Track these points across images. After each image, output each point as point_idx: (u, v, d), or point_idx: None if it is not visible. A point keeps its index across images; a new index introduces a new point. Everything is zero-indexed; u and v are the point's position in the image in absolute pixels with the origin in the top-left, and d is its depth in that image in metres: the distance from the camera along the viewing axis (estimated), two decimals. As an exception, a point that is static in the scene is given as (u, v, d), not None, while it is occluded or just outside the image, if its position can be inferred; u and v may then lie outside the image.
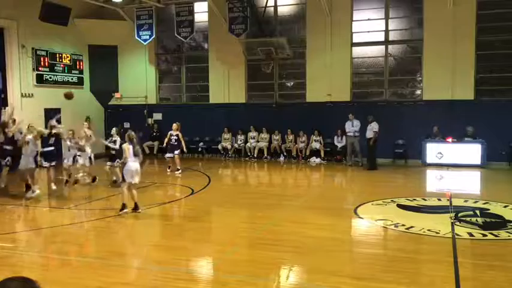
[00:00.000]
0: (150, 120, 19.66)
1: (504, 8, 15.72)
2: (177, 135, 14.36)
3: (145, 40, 18.68)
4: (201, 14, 18.94)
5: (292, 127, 17.64)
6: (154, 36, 18.68)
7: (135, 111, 19.57)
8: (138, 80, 19.92)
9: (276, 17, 18.53)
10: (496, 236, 7.15)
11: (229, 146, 18.24)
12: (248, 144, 18.02)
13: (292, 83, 19.10)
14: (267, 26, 18.25)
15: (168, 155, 14.68)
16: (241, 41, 17.86)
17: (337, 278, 5.48)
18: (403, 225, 7.76)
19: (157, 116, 19.76)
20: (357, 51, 17.71)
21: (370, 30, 17.48)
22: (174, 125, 14.52)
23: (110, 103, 20.29)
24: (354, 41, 17.59)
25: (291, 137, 17.72)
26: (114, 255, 6.48)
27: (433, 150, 15.57)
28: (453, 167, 14.86)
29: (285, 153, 17.68)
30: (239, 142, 18.30)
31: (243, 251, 6.67)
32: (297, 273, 5.92)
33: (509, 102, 15.49)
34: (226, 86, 18.95)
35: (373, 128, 15.08)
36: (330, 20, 17.29)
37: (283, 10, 18.60)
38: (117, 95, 20.13)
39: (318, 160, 17.05)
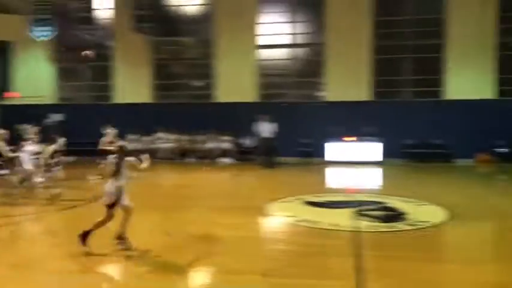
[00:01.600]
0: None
1: (399, 16, 16.99)
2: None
3: (41, 36, 17.40)
4: (105, 10, 18.19)
5: (202, 127, 17.56)
6: (52, 32, 17.53)
7: (32, 112, 18.27)
8: (36, 78, 18.64)
9: (184, 16, 18.33)
10: (393, 228, 7.65)
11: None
12: (156, 145, 17.61)
13: (201, 83, 19.02)
14: (174, 25, 17.99)
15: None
16: (147, 39, 17.43)
17: (247, 276, 5.52)
18: (310, 221, 8.04)
19: (57, 117, 18.61)
20: (264, 53, 18.09)
21: (276, 33, 17.95)
22: None
23: (2, 103, 18.74)
24: (260, 43, 17.95)
25: (200, 138, 17.62)
26: None
27: (337, 149, 16.36)
28: (355, 164, 15.72)
29: (194, 154, 17.53)
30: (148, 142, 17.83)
31: (151, 256, 6.47)
32: (208, 274, 5.87)
33: (403, 102, 16.80)
34: (132, 85, 18.39)
35: (271, 128, 15.44)
36: (237, 21, 17.48)
37: (190, 10, 18.45)
38: (10, 94, 18.62)
39: (227, 160, 17.12)
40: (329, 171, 15.24)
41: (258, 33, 17.90)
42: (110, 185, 6.13)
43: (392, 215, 8.46)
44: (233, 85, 17.58)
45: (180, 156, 17.51)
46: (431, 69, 17.02)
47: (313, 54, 18.11)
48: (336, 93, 17.12)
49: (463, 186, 12.12)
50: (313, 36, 17.90)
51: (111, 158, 7.07)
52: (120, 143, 7.20)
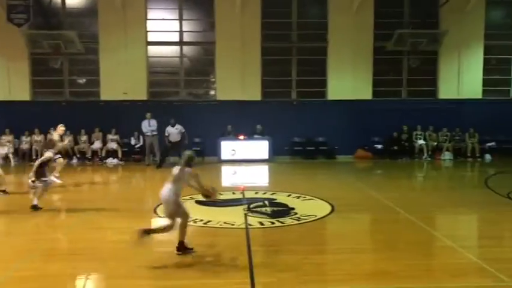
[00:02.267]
0: None
1: (283, 18, 17.62)
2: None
3: None
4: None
5: (86, 127, 16.65)
6: None
7: None
8: None
9: (64, 8, 17.22)
10: (282, 223, 7.91)
11: (11, 150, 16.13)
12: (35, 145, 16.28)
13: (84, 80, 18.01)
14: (54, 17, 16.82)
15: None
16: (24, 32, 16.08)
17: (137, 281, 5.34)
18: (201, 220, 8.00)
19: None
20: (153, 50, 17.66)
21: (165, 30, 17.63)
22: None
23: None
24: (149, 40, 17.48)
25: (84, 138, 16.69)
26: None
27: (228, 147, 16.52)
28: (245, 162, 16.01)
29: (78, 155, 16.56)
30: (24, 144, 16.46)
31: (31, 266, 5.96)
32: (94, 282, 5.56)
33: (288, 102, 17.52)
34: (6, 81, 16.84)
35: (180, 130, 15.17)
36: (124, 16, 16.85)
37: (72, 2, 17.38)
38: None
39: (115, 161, 16.45)
40: (220, 170, 15.33)
41: (147, 29, 17.41)
42: None
43: (281, 211, 8.74)
44: (119, 82, 16.89)
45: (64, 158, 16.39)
46: (315, 71, 17.92)
47: (204, 52, 18.09)
48: (226, 92, 17.28)
49: (344, 181, 12.95)
50: (204, 34, 17.88)
51: None
52: None
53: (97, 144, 16.70)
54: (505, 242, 7.20)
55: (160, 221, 8.27)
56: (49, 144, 10.21)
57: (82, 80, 18.03)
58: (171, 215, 6.10)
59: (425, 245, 6.85)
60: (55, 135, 12.00)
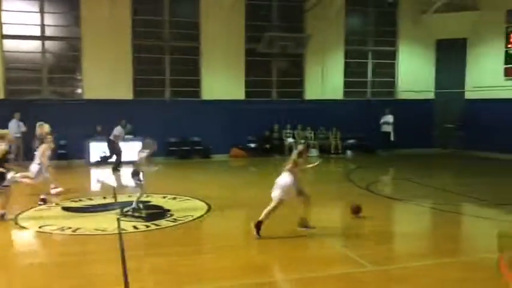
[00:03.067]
0: None
1: (155, 16, 17.25)
2: None
3: None
4: None
5: None
6: None
7: None
8: None
9: None
10: (158, 225, 7.73)
11: None
12: None
13: None
14: None
15: None
16: None
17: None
18: (70, 228, 7.48)
19: None
20: (10, 44, 16.09)
21: (24, 23, 16.16)
22: None
23: None
24: (4, 33, 15.89)
25: None
26: None
27: (97, 149, 15.65)
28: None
29: None
30: None
31: None
32: None
33: (161, 102, 17.22)
34: None
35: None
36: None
37: None
38: None
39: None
40: (90, 173, 14.50)
41: (2, 21, 15.77)
42: None
43: (156, 213, 8.54)
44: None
45: None
46: (189, 71, 17.84)
47: (69, 48, 16.93)
48: (94, 90, 16.38)
49: (220, 180, 13.10)
50: (69, 29, 16.73)
51: None
52: None
53: None
54: (365, 230, 7.87)
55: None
56: None
57: None
58: None
59: (294, 237, 7.19)
60: None
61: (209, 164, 16.56)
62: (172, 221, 7.97)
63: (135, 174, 8.39)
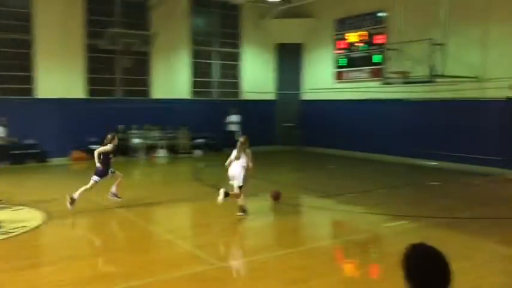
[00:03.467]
0: None
1: None
2: None
3: None
4: None
5: None
6: None
7: None
8: None
9: None
10: (-16, 239, 6.84)
11: None
12: None
13: None
14: None
15: None
16: None
17: None
18: None
19: None
20: None
21: None
22: None
23: None
24: None
25: None
26: None
27: None
28: None
29: None
30: None
31: None
32: None
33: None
34: None
35: None
36: None
37: None
38: None
39: None
40: None
41: None
42: None
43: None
44: None
45: None
46: (20, 66, 16.14)
47: None
48: None
49: (60, 186, 12.06)
50: None
51: None
52: None
53: None
54: (213, 228, 8.01)
55: None
56: None
57: None
58: None
59: (144, 241, 7.01)
60: None
61: (46, 169, 15.22)
62: (4, 234, 7.12)
63: None
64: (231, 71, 20.67)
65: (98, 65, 17.51)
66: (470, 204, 9.80)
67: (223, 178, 8.52)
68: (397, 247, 2.46)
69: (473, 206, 9.50)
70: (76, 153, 16.63)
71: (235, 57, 20.65)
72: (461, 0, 13.82)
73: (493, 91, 13.83)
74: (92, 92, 17.34)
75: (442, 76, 13.57)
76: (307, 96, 20.59)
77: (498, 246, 6.80)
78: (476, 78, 14.03)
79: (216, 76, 20.32)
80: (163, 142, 18.17)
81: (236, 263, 6.01)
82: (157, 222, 8.58)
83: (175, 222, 8.19)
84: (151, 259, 6.27)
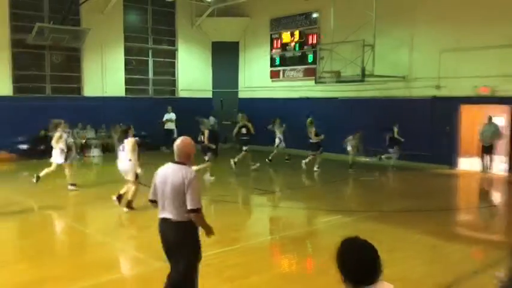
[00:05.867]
0: None
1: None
2: None
3: None
4: None
5: None
6: None
7: None
8: None
9: None
10: None
11: None
12: None
13: None
14: None
15: None
16: None
17: None
18: None
19: None
20: None
21: None
22: None
23: None
24: None
25: None
26: None
27: None
28: None
29: None
30: None
31: None
32: None
33: None
34: None
35: None
36: None
37: None
38: None
39: None
40: None
41: None
42: None
43: None
44: None
45: None
46: None
47: None
48: None
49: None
50: None
51: None
52: None
53: None
54: (152, 228, 7.90)
55: None
56: None
57: None
58: None
59: (79, 244, 6.82)
60: None
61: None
62: None
63: None
64: (168, 68, 20.41)
65: (25, 61, 16.69)
66: (397, 197, 10.37)
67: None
68: (332, 241, 2.60)
69: (400, 200, 10.06)
70: (1, 154, 15.74)
71: (171, 54, 20.41)
72: (389, 3, 14.52)
73: (419, 90, 14.67)
74: (18, 90, 16.49)
75: (372, 76, 14.21)
76: (245, 94, 20.73)
77: (423, 236, 7.26)
78: (403, 78, 14.85)
79: (151, 74, 19.98)
80: (96, 141, 17.62)
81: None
82: (92, 224, 8.34)
83: (110, 224, 8.00)
84: (87, 262, 6.11)
